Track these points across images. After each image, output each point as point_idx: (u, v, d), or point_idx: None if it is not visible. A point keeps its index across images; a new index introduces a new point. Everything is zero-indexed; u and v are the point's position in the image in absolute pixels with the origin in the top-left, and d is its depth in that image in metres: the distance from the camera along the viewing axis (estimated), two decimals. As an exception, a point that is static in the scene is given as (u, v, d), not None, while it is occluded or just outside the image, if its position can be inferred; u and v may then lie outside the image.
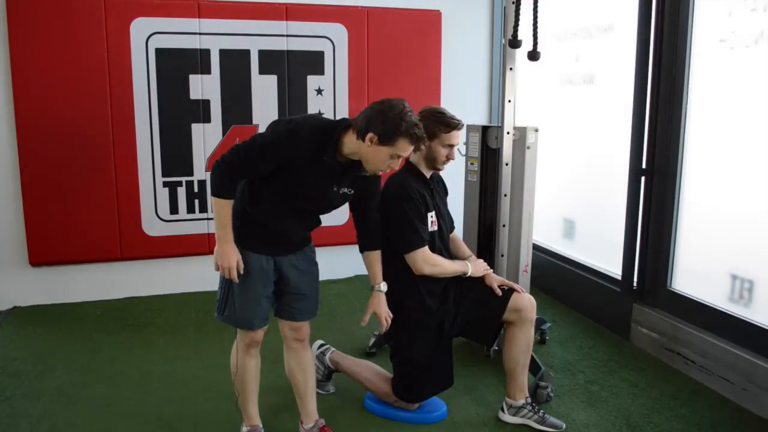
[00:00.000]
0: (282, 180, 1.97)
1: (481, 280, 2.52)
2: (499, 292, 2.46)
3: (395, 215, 2.41)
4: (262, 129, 2.13)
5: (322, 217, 2.24)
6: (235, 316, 2.14)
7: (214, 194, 1.98)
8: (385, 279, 2.52)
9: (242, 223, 2.07)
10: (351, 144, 1.95)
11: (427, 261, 2.41)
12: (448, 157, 2.48)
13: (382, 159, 1.94)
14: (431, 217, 2.48)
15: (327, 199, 2.06)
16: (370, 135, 1.89)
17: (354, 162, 2.00)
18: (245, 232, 2.07)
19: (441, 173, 2.69)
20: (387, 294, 2.40)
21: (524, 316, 2.43)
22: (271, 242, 2.11)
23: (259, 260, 2.09)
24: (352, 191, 2.10)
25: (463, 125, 2.49)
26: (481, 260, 2.61)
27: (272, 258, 2.13)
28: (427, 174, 2.54)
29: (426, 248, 2.41)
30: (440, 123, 2.44)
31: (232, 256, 2.01)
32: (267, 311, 2.18)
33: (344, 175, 2.03)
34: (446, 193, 2.74)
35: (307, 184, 1.99)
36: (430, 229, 2.47)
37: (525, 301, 2.44)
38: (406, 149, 1.94)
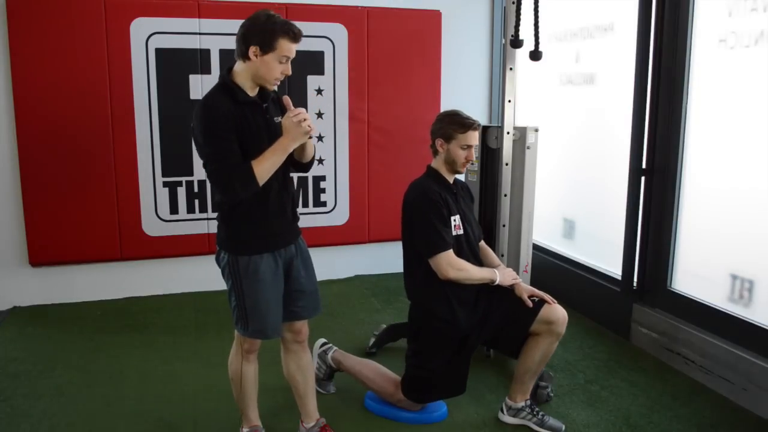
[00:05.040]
0: (243, 147, 1.95)
1: (512, 293, 2.46)
2: (529, 303, 2.40)
3: (417, 220, 2.40)
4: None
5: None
6: (266, 328, 2.10)
7: (255, 186, 1.92)
8: (411, 285, 2.49)
9: (239, 228, 2.05)
10: (245, 73, 1.98)
11: (452, 265, 2.36)
12: (467, 158, 2.45)
13: (273, 67, 1.96)
14: (455, 221, 2.43)
15: (274, 133, 2.02)
16: (252, 50, 1.92)
17: (261, 92, 2.04)
18: (246, 236, 2.05)
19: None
20: (415, 300, 2.34)
21: (554, 329, 2.38)
22: (272, 228, 2.08)
23: (269, 264, 2.07)
24: (280, 117, 2.08)
25: (479, 125, 2.45)
26: (510, 269, 2.55)
27: (279, 257, 2.11)
28: (450, 179, 2.51)
29: (450, 251, 2.37)
30: (455, 124, 2.42)
31: (292, 127, 1.95)
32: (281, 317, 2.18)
33: (267, 106, 2.05)
34: (472, 200, 2.71)
35: (256, 133, 1.99)
36: (455, 233, 2.43)
37: (558, 314, 2.38)
38: (289, 48, 1.95)
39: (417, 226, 2.40)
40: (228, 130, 1.92)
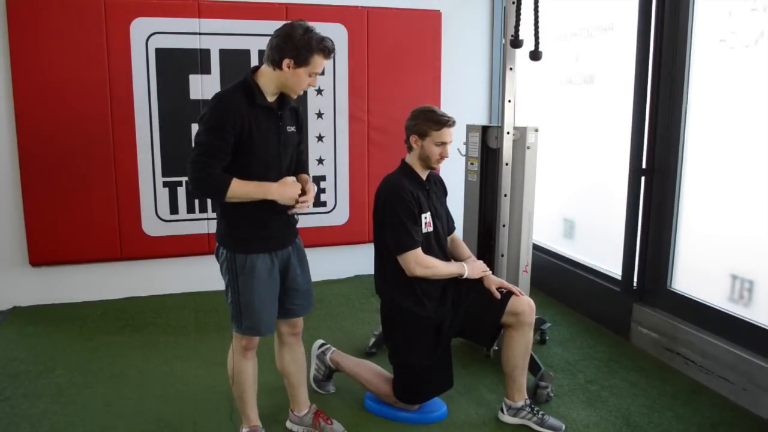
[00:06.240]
0: (248, 148, 2.00)
1: (480, 282, 2.51)
2: (497, 294, 2.44)
3: (387, 216, 2.41)
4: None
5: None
6: (258, 325, 2.14)
7: (220, 197, 1.99)
8: (381, 281, 2.52)
9: (238, 227, 2.08)
10: (270, 78, 2.03)
11: (419, 263, 2.39)
12: (442, 156, 2.47)
13: (302, 80, 2.03)
14: (426, 218, 2.46)
15: (284, 142, 2.10)
16: (286, 61, 1.98)
17: (281, 98, 2.09)
18: (245, 235, 2.08)
19: (440, 173, 2.69)
20: (384, 296, 2.38)
21: (522, 320, 2.42)
22: (271, 230, 2.12)
23: (265, 263, 2.11)
24: (294, 128, 2.17)
25: (454, 122, 2.46)
26: (480, 261, 2.59)
27: (276, 257, 2.14)
28: (423, 174, 2.53)
29: (418, 250, 2.40)
30: (430, 121, 2.43)
31: (288, 189, 2.04)
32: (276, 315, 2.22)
33: (282, 113, 2.10)
34: (445, 193, 2.73)
35: (266, 138, 2.04)
36: (425, 230, 2.45)
37: (524, 305, 2.43)
38: (321, 65, 2.04)
39: (388, 224, 2.42)
40: (230, 131, 1.95)
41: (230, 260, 2.09)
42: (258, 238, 2.09)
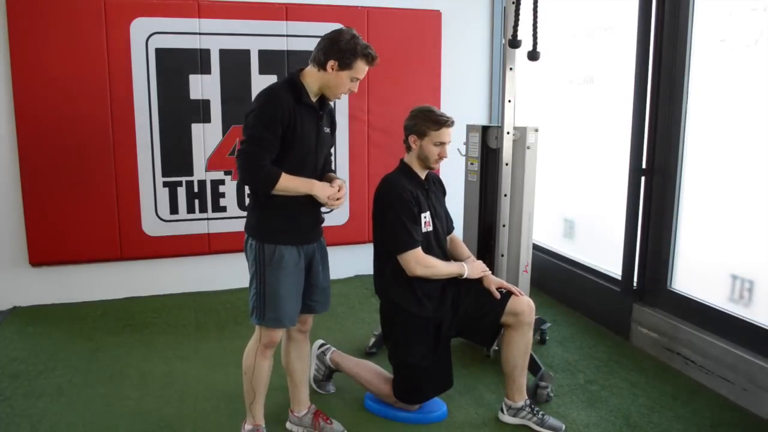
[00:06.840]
0: (289, 144, 2.06)
1: (479, 282, 2.51)
2: (497, 294, 2.44)
3: (386, 216, 2.42)
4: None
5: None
6: (282, 317, 2.17)
7: (269, 189, 2.05)
8: (380, 281, 2.53)
9: (270, 219, 2.13)
10: (314, 78, 2.12)
11: (419, 262, 2.40)
12: (441, 156, 2.47)
13: (343, 84, 2.12)
14: (425, 218, 2.46)
15: (321, 142, 2.19)
16: (330, 63, 2.07)
17: (321, 100, 2.18)
18: (275, 225, 2.13)
19: (440, 173, 2.68)
20: (384, 296, 2.39)
21: (522, 320, 2.42)
22: (300, 225, 2.17)
23: (293, 255, 2.15)
24: (329, 129, 2.25)
25: (453, 122, 2.46)
26: (480, 261, 2.59)
27: (302, 251, 2.19)
28: (422, 174, 2.53)
29: (419, 249, 2.40)
30: (429, 121, 2.43)
31: (327, 189, 2.15)
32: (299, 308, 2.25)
33: (322, 114, 2.18)
34: (444, 193, 2.73)
35: (307, 135, 2.11)
36: (424, 230, 2.46)
37: (523, 305, 2.43)
38: (363, 71, 2.13)
39: (387, 224, 2.42)
40: (279, 124, 2.02)
41: (258, 250, 2.13)
42: (288, 231, 2.14)
